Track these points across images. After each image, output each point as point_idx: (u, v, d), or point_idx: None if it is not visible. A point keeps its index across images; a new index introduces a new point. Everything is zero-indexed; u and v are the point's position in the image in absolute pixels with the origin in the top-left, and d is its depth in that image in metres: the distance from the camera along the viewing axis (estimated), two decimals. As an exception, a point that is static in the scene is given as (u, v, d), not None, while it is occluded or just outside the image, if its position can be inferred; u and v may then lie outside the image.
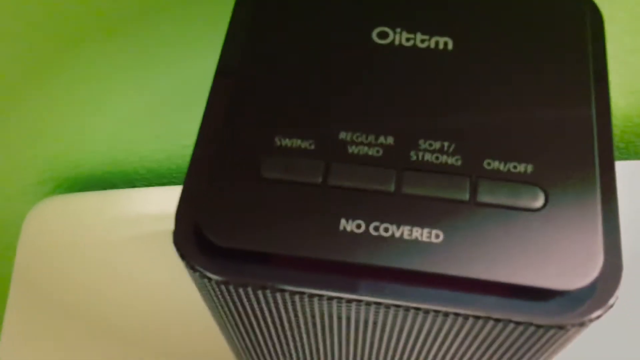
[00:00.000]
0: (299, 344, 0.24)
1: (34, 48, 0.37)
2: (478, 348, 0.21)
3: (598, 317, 0.18)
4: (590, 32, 0.22)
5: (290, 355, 0.25)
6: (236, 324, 0.22)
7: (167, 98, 0.43)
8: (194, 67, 0.41)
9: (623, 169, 0.47)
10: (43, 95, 0.41)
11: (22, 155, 0.46)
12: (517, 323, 0.18)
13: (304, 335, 0.23)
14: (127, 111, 0.43)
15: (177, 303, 0.42)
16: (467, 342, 0.20)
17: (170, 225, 0.44)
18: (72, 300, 0.43)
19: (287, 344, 0.24)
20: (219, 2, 0.36)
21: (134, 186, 0.50)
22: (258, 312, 0.21)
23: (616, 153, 0.53)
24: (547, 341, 0.19)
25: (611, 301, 0.18)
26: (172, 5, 0.36)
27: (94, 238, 0.45)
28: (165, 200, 0.45)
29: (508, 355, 0.21)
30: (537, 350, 0.20)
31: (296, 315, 0.20)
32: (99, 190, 0.47)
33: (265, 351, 0.25)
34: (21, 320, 0.42)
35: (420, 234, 0.18)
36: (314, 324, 0.21)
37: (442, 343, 0.21)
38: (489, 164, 0.19)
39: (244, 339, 0.24)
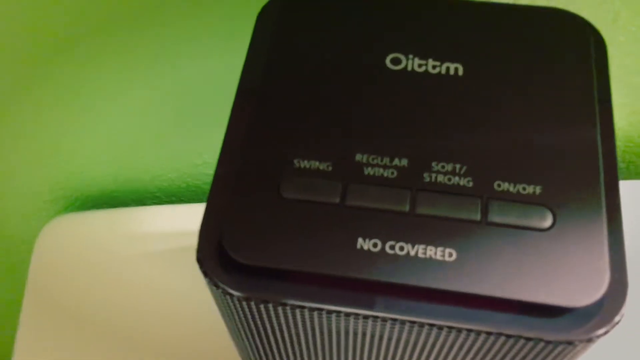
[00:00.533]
0: (313, 358, 0.24)
1: (44, 67, 0.38)
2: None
3: (605, 333, 0.19)
4: (594, 57, 0.23)
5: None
6: (253, 338, 0.23)
7: (178, 119, 0.44)
8: (204, 87, 0.42)
9: (624, 188, 0.47)
10: (56, 115, 0.42)
11: (34, 174, 0.47)
12: (528, 339, 0.19)
13: (319, 350, 0.23)
14: (139, 131, 0.44)
15: (188, 317, 0.43)
16: (479, 357, 0.21)
17: (180, 242, 0.45)
18: (84, 316, 0.43)
19: (302, 358, 0.25)
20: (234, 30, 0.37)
21: (144, 204, 0.51)
22: (277, 327, 0.21)
23: (618, 173, 0.54)
24: (556, 356, 0.20)
25: (617, 318, 0.19)
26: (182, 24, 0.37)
27: (105, 255, 0.45)
28: (175, 218, 0.46)
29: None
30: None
31: (313, 331, 0.21)
32: (110, 209, 0.48)
33: (280, 366, 0.26)
34: (34, 336, 0.43)
35: (434, 252, 0.19)
36: (330, 340, 0.22)
37: (455, 358, 0.22)
38: (499, 185, 0.20)
39: (259, 353, 0.25)
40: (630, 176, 0.55)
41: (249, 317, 0.21)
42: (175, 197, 0.51)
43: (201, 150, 0.46)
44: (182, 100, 0.43)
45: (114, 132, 0.44)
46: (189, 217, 0.45)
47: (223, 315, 0.22)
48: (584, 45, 0.23)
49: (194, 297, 0.43)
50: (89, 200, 0.49)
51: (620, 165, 0.54)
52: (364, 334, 0.21)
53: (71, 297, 0.44)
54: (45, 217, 0.49)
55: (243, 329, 0.22)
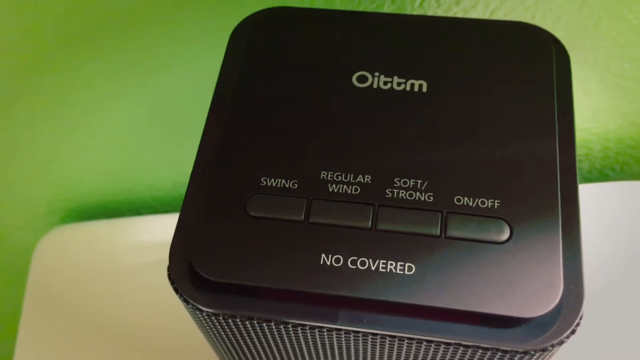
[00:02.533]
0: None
1: (37, 80, 0.39)
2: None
3: (560, 343, 0.19)
4: (555, 69, 0.23)
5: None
6: (229, 350, 0.24)
7: (170, 128, 0.45)
8: (195, 96, 0.42)
9: (619, 189, 0.48)
10: (51, 127, 0.43)
11: (31, 186, 0.48)
12: (485, 349, 0.19)
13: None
14: (133, 141, 0.45)
15: (187, 326, 0.44)
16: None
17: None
18: (83, 327, 0.44)
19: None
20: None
21: (139, 214, 0.52)
22: (248, 340, 0.22)
23: (612, 174, 0.54)
24: (515, 365, 0.20)
25: (572, 327, 0.19)
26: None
27: (103, 265, 0.46)
28: (170, 227, 0.47)
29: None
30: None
31: (283, 343, 0.22)
32: (106, 219, 0.49)
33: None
34: (33, 346, 0.44)
35: (394, 266, 0.20)
36: (301, 351, 0.23)
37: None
38: (459, 200, 0.21)
39: (237, 365, 0.25)
40: (624, 177, 0.55)
41: (221, 330, 0.22)
42: (170, 206, 0.51)
43: (193, 159, 0.47)
44: (174, 109, 0.43)
45: (108, 144, 0.45)
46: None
47: (199, 327, 0.23)
48: (545, 58, 0.24)
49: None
50: (86, 211, 0.50)
51: (615, 166, 0.54)
52: (331, 346, 0.22)
53: (70, 307, 0.45)
54: (42, 229, 0.50)
55: (217, 342, 0.23)
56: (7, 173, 0.47)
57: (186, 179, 0.49)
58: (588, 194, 0.47)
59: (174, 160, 0.48)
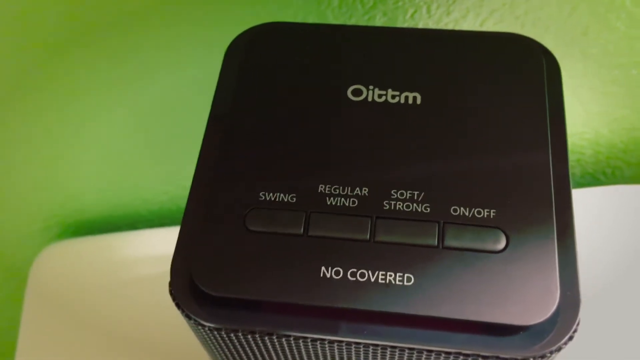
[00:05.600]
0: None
1: (38, 94, 0.39)
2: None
3: (558, 349, 0.20)
4: (547, 80, 0.24)
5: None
6: (231, 365, 0.24)
7: (165, 142, 0.45)
8: (190, 110, 0.43)
9: (611, 193, 0.48)
10: (48, 142, 0.43)
11: (28, 201, 0.48)
12: (485, 357, 0.20)
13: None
14: (128, 156, 0.45)
15: (184, 339, 0.44)
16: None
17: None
18: (80, 342, 0.44)
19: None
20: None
21: (136, 228, 0.52)
22: (250, 354, 0.22)
23: (603, 178, 0.55)
24: (514, 373, 0.21)
25: (570, 334, 0.20)
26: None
27: (100, 280, 0.46)
28: (167, 241, 0.47)
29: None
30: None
31: (285, 356, 0.22)
32: (103, 234, 0.49)
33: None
34: (31, 362, 0.44)
35: (393, 277, 0.20)
36: (303, 363, 0.23)
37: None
38: (455, 210, 0.21)
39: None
40: (616, 181, 0.56)
41: (222, 345, 0.22)
42: (167, 219, 0.52)
43: (189, 172, 0.47)
44: (170, 123, 0.44)
45: (103, 158, 0.46)
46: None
47: (200, 342, 0.23)
48: (536, 69, 0.24)
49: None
50: (83, 226, 0.50)
51: (606, 170, 0.55)
52: (332, 357, 0.22)
53: (67, 322, 0.45)
54: (39, 245, 0.50)
55: (219, 355, 0.23)
56: (2, 189, 0.47)
57: (183, 192, 0.49)
58: (580, 198, 0.48)
59: (171, 174, 0.48)
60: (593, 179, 0.54)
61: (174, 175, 0.48)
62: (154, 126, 0.44)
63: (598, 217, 0.47)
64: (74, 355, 0.44)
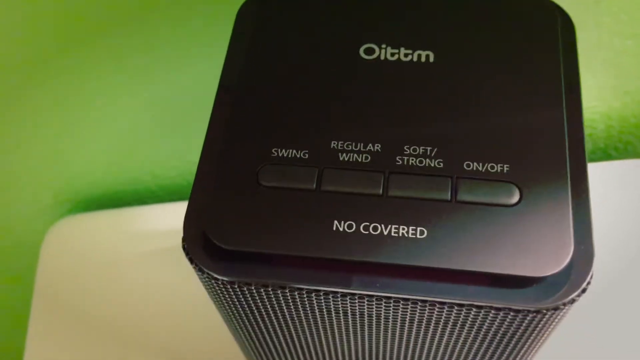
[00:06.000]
0: (303, 341, 0.25)
1: (42, 73, 0.39)
2: (467, 336, 0.22)
3: (572, 301, 0.20)
4: (561, 40, 0.24)
5: (297, 352, 0.27)
6: (244, 323, 0.24)
7: (174, 117, 0.45)
8: (199, 86, 0.43)
9: (622, 167, 0.48)
10: (56, 119, 0.43)
11: (39, 177, 0.49)
12: (498, 309, 0.20)
13: (307, 331, 0.24)
14: (138, 131, 0.46)
15: (196, 314, 0.44)
16: (456, 331, 0.22)
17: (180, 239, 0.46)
18: (92, 316, 0.45)
19: (293, 341, 0.26)
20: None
21: (145, 203, 0.52)
22: (262, 310, 0.22)
23: (614, 153, 0.55)
24: (527, 326, 0.21)
25: (583, 286, 0.20)
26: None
27: (110, 254, 0.47)
28: (177, 216, 0.47)
29: (495, 342, 0.22)
30: (521, 336, 0.21)
31: (297, 311, 0.22)
32: (113, 209, 0.49)
33: (273, 349, 0.27)
34: (44, 338, 0.44)
35: (406, 231, 0.20)
36: (315, 320, 0.23)
37: (434, 332, 0.22)
38: (468, 165, 0.21)
39: (252, 337, 0.26)
40: (627, 156, 0.55)
41: (236, 301, 0.22)
42: (176, 195, 0.52)
43: (198, 147, 0.47)
44: (179, 99, 0.44)
45: (113, 134, 0.46)
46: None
47: (213, 301, 0.23)
48: (551, 29, 0.24)
49: (201, 291, 0.44)
50: (93, 201, 0.51)
51: (618, 145, 0.55)
52: (345, 312, 0.22)
53: (79, 297, 0.45)
54: (50, 220, 0.51)
55: (232, 313, 0.23)
56: (13, 165, 0.47)
57: (192, 167, 0.50)
58: (592, 173, 0.47)
59: (180, 149, 0.48)
60: (604, 154, 0.54)
61: (183, 151, 0.49)
62: (163, 101, 0.44)
63: (610, 192, 0.47)
64: (86, 329, 0.44)
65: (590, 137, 0.52)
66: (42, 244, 0.47)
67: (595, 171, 0.47)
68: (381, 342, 0.25)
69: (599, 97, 0.47)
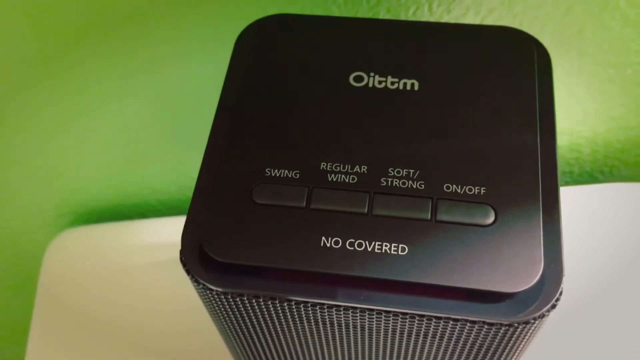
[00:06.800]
0: (292, 349, 0.27)
1: (51, 83, 0.41)
2: (446, 348, 0.24)
3: (542, 316, 0.21)
4: (537, 70, 0.25)
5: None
6: (236, 331, 0.25)
7: (174, 133, 0.47)
8: (198, 102, 0.44)
9: (609, 191, 0.50)
10: (60, 132, 0.45)
11: (42, 190, 0.50)
12: (473, 322, 0.21)
13: (296, 340, 0.26)
14: (137, 146, 0.47)
15: (196, 324, 0.45)
16: (435, 342, 0.23)
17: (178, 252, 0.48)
18: (93, 327, 0.46)
19: (282, 350, 0.27)
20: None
21: (146, 217, 0.53)
22: (254, 319, 0.24)
23: (601, 177, 0.56)
24: (502, 339, 0.22)
25: (553, 302, 0.21)
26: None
27: (111, 266, 0.48)
28: (176, 230, 0.49)
29: (473, 353, 0.24)
30: (497, 348, 0.23)
31: (287, 321, 0.24)
32: (113, 222, 0.50)
33: (263, 356, 0.28)
34: (44, 349, 0.45)
35: (388, 247, 0.21)
36: (304, 329, 0.24)
37: (415, 343, 0.24)
38: (447, 187, 0.23)
39: (243, 345, 0.27)
40: (613, 180, 0.57)
41: (229, 310, 0.23)
42: (176, 209, 0.53)
43: (197, 163, 0.49)
44: (179, 113, 0.45)
45: (114, 148, 0.47)
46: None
47: (208, 311, 0.25)
48: (527, 59, 0.25)
49: (198, 301, 0.45)
50: (94, 214, 0.52)
51: (604, 169, 0.56)
52: (331, 323, 0.23)
53: (79, 307, 0.47)
54: (52, 232, 0.52)
55: (226, 324, 0.25)
56: (16, 178, 0.48)
57: (191, 182, 0.51)
58: (578, 196, 0.49)
59: (180, 164, 0.50)
60: (591, 178, 0.55)
61: (183, 166, 0.50)
62: (163, 117, 0.45)
63: (596, 214, 0.48)
64: (86, 340, 0.45)
65: (577, 161, 0.53)
66: (44, 256, 0.49)
67: (582, 194, 0.49)
68: (366, 352, 0.26)
69: (584, 122, 0.49)
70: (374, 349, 0.25)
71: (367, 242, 0.22)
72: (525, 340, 0.23)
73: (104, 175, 0.50)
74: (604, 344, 0.42)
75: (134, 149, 0.48)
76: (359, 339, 0.24)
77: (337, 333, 0.24)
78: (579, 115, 0.48)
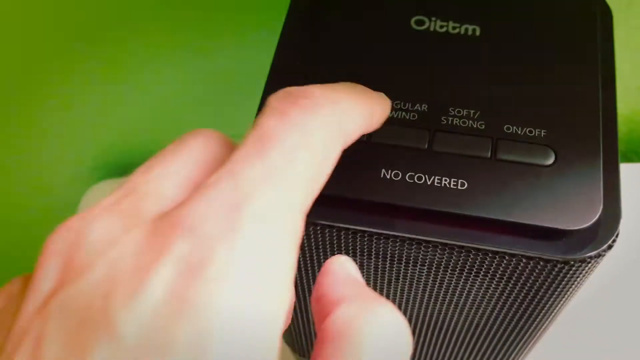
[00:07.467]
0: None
1: (91, 41, 0.41)
2: (497, 286, 0.24)
3: (598, 255, 0.21)
4: (600, 23, 0.25)
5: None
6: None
7: (221, 88, 0.47)
8: (235, 61, 0.45)
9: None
10: (101, 87, 0.45)
11: (78, 142, 0.51)
12: (529, 258, 0.21)
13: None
14: (182, 100, 0.48)
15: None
16: (487, 280, 0.24)
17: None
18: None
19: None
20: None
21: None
22: (306, 249, 0.24)
23: (635, 158, 0.56)
24: (555, 278, 0.22)
25: (609, 243, 0.21)
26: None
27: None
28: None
29: (523, 293, 0.24)
30: (548, 289, 0.23)
31: (340, 252, 0.24)
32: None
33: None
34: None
35: (448, 182, 0.22)
36: (360, 263, 0.25)
37: (466, 280, 0.24)
38: (508, 128, 0.23)
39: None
40: None
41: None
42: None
43: (236, 120, 0.49)
44: (227, 70, 0.46)
45: (154, 102, 0.48)
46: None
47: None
48: (590, 10, 0.25)
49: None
50: (130, 167, 0.53)
51: (639, 150, 0.56)
52: (384, 255, 0.24)
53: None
54: (88, 183, 0.53)
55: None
56: (55, 128, 0.49)
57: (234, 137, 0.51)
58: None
59: (221, 119, 0.50)
60: (624, 157, 0.55)
61: (223, 119, 0.50)
62: (209, 72, 0.46)
63: (629, 194, 0.48)
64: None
65: (613, 139, 0.53)
66: (79, 205, 0.50)
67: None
68: (413, 290, 0.26)
69: (623, 99, 0.49)
70: (421, 286, 0.26)
71: (426, 176, 0.22)
72: (576, 283, 0.23)
73: (142, 128, 0.50)
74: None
75: (175, 103, 0.48)
76: (409, 276, 0.25)
77: (387, 267, 0.25)
78: (618, 91, 0.48)
